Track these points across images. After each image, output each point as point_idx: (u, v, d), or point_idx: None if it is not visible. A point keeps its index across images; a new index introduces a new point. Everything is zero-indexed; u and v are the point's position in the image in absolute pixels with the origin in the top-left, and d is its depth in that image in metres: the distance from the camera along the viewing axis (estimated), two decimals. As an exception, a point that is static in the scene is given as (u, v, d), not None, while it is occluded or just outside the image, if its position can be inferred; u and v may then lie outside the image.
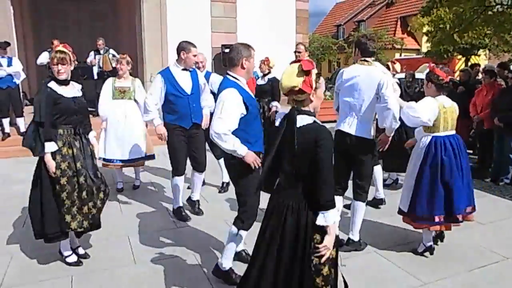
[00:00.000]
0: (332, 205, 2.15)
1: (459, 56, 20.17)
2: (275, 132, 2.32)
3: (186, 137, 4.52)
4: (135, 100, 5.47)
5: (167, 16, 10.31)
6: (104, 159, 5.40)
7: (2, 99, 7.79)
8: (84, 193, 3.43)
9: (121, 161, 5.44)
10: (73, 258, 3.66)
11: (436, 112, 3.68)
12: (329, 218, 2.14)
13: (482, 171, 6.59)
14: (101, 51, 9.79)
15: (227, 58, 3.29)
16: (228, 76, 3.22)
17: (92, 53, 9.89)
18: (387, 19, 33.23)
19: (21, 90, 8.37)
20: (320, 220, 2.14)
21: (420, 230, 3.97)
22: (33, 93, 10.21)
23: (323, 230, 2.16)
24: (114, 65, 9.75)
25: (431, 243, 3.90)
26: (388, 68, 5.96)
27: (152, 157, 5.72)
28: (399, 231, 4.33)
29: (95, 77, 9.88)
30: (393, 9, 33.43)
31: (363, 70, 3.74)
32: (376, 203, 5.18)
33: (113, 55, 9.79)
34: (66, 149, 3.41)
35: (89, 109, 7.83)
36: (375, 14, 34.47)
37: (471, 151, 7.09)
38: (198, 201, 4.96)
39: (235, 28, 11.21)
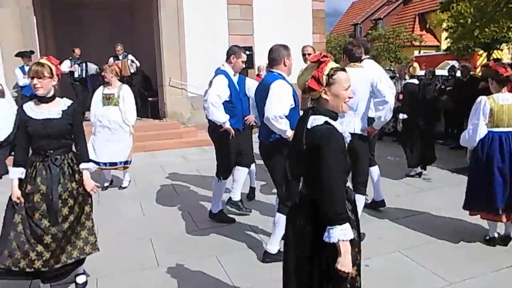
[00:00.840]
0: (339, 221, 1.88)
1: (481, 52, 19.73)
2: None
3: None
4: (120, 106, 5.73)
5: (184, 21, 10.43)
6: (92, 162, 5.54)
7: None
8: (33, 236, 2.89)
9: (106, 164, 5.77)
10: None
11: (487, 112, 3.75)
12: (333, 235, 1.87)
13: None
14: (120, 57, 9.95)
15: (269, 59, 3.68)
16: (272, 72, 3.62)
17: (111, 59, 10.04)
18: (404, 16, 32.83)
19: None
20: (324, 236, 1.91)
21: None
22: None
23: (329, 247, 1.93)
24: (132, 70, 9.89)
25: (495, 234, 3.99)
26: (410, 71, 6.10)
27: (129, 162, 6.00)
28: (422, 231, 4.26)
29: (115, 82, 10.03)
30: (410, 6, 33.02)
31: (352, 71, 3.84)
32: (378, 205, 4.91)
33: (132, 61, 9.94)
34: (31, 178, 2.96)
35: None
36: (393, 12, 34.12)
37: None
38: (241, 200, 4.96)
39: (252, 30, 11.23)
